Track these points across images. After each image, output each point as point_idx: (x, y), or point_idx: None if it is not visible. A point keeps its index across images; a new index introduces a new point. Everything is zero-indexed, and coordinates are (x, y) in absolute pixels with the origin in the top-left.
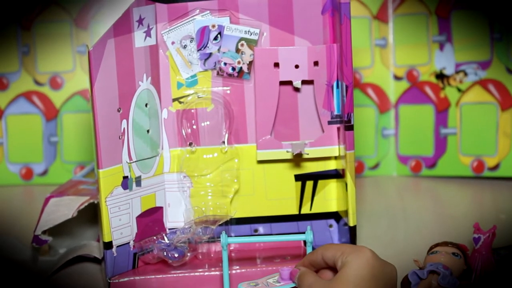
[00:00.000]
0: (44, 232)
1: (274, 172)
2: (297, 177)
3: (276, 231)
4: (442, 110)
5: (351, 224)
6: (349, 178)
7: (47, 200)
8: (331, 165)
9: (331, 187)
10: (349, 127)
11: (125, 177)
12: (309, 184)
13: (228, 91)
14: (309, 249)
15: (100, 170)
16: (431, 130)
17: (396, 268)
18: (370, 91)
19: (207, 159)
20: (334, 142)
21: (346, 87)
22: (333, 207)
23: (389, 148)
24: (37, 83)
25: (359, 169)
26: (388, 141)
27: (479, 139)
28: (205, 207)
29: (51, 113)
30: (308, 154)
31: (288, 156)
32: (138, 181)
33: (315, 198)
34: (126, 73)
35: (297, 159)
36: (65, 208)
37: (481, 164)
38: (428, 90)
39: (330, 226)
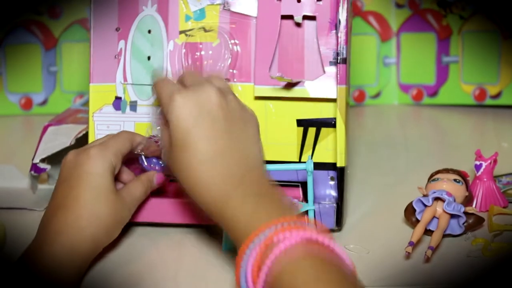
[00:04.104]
0: (42, 161)
1: (276, 115)
2: (299, 122)
3: (274, 176)
4: (444, 38)
5: (339, 165)
6: (338, 114)
7: (45, 129)
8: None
9: (334, 136)
10: (342, 60)
11: (118, 98)
12: (311, 131)
13: (234, 26)
14: (309, 179)
15: (91, 84)
16: (432, 58)
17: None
18: (371, 19)
19: None
20: (335, 82)
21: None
22: (335, 158)
23: (391, 77)
24: (36, 12)
25: (360, 98)
26: (389, 70)
27: (481, 67)
28: None
29: (50, 43)
30: (292, 80)
31: (287, 94)
32: (133, 106)
33: (317, 146)
34: None
35: (299, 101)
36: (63, 136)
37: (483, 92)
38: (430, 17)
39: (332, 178)
